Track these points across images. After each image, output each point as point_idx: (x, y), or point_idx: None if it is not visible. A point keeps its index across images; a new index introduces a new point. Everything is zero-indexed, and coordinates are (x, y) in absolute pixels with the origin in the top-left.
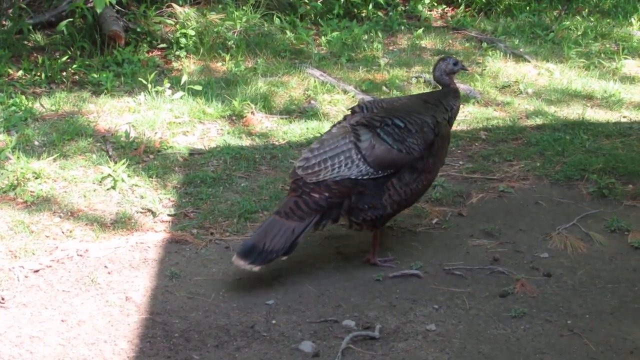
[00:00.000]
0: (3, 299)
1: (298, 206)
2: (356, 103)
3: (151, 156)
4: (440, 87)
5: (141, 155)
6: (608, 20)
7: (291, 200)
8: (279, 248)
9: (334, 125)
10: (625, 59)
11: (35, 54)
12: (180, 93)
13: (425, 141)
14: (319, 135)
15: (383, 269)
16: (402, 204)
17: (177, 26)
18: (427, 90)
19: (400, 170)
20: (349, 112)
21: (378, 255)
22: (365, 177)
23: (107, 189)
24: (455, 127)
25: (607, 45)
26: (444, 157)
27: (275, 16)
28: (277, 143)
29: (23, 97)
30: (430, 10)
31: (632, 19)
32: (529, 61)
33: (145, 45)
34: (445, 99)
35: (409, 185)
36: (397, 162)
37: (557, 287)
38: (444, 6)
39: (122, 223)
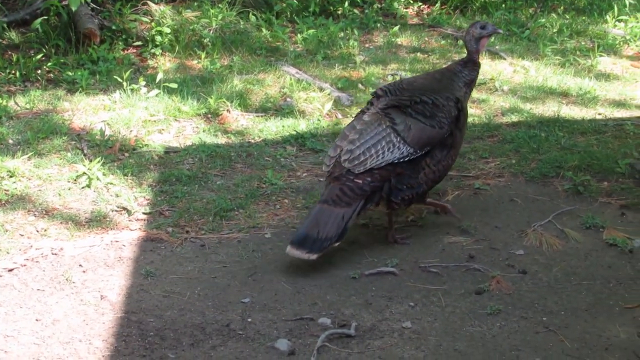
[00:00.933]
0: None
1: (344, 193)
2: (332, 100)
3: (126, 154)
4: (466, 53)
5: (116, 154)
6: (583, 18)
7: (336, 188)
8: (333, 235)
9: (362, 112)
10: (601, 56)
11: (9, 52)
12: (156, 91)
13: (451, 116)
14: (294, 132)
15: (359, 267)
16: (435, 180)
17: (153, 24)
18: None
19: (433, 148)
20: (372, 97)
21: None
22: (407, 159)
23: (82, 188)
24: None
25: (583, 43)
26: (465, 132)
27: (251, 14)
28: (252, 141)
29: None
30: (406, 8)
31: (607, 17)
32: (504, 58)
33: (120, 43)
34: (459, 73)
35: (441, 162)
36: (432, 138)
37: (533, 284)
38: (420, 4)
39: (97, 221)
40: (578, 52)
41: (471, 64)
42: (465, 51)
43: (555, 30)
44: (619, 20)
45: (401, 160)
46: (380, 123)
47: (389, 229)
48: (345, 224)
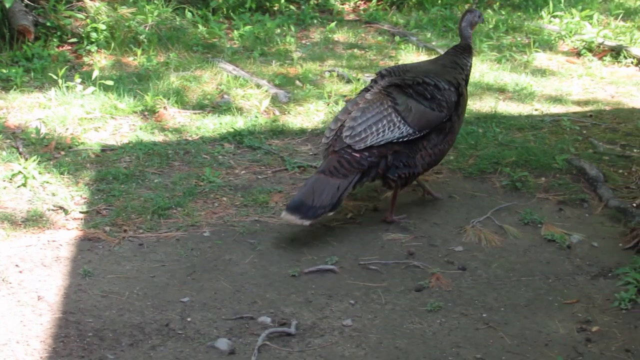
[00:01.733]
0: None
1: (342, 165)
2: (270, 97)
3: (62, 153)
4: (460, 40)
5: (52, 152)
6: (519, 14)
7: (334, 160)
8: (327, 204)
9: (366, 90)
10: (537, 52)
11: None
12: (92, 88)
13: (451, 101)
14: (232, 130)
15: (299, 264)
16: (431, 164)
17: (88, 20)
18: (342, 84)
19: (431, 131)
20: (376, 76)
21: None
22: (406, 139)
23: (18, 187)
24: None
25: (519, 39)
26: (463, 119)
27: (187, 10)
28: (190, 138)
29: None
30: (343, 4)
31: (543, 12)
32: (441, 54)
33: (55, 40)
34: (459, 58)
35: (437, 145)
36: (431, 121)
37: (472, 281)
38: (357, 0)
39: (33, 221)
40: (514, 48)
41: (468, 49)
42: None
43: (491, 26)
44: (554, 16)
45: (400, 140)
46: (382, 102)
47: (389, 209)
48: (340, 194)
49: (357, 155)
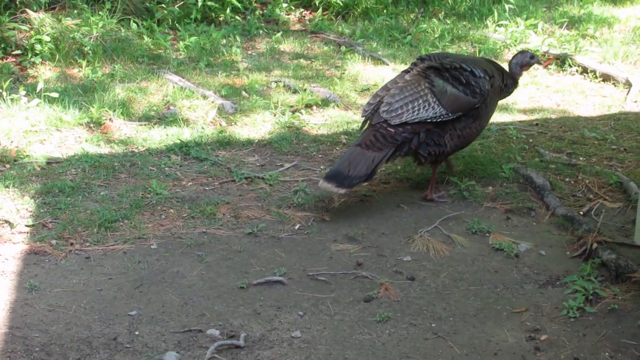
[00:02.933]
0: None
1: (377, 139)
2: (216, 108)
3: (7, 166)
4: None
5: None
6: (464, 23)
7: (370, 134)
8: (362, 174)
9: (405, 72)
10: None
11: None
12: (37, 100)
13: (484, 89)
14: (178, 141)
15: (247, 276)
16: (459, 145)
17: (32, 32)
18: (289, 95)
19: (461, 115)
20: (417, 60)
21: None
22: (438, 119)
23: None
24: (315, 131)
25: (464, 48)
26: (492, 112)
27: (132, 21)
28: (136, 150)
29: None
30: (288, 14)
31: (488, 21)
32: (387, 64)
33: None
34: (503, 72)
35: (466, 129)
36: (463, 105)
37: (421, 291)
38: (302, 10)
39: None
40: None
41: (513, 79)
42: None
43: (436, 35)
44: (500, 25)
45: (433, 119)
46: (420, 83)
47: (429, 188)
48: (374, 166)
49: (392, 130)
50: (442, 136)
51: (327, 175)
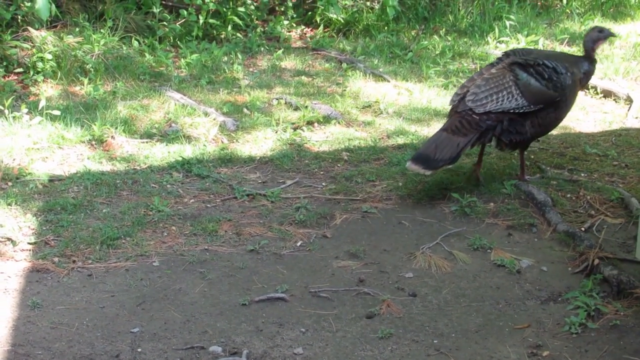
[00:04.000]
0: None
1: (463, 125)
2: (217, 125)
3: (9, 183)
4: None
5: None
6: (465, 40)
7: (456, 120)
8: (447, 158)
9: (491, 65)
10: None
11: None
12: (39, 118)
13: (565, 84)
14: (180, 158)
15: (249, 293)
16: (539, 132)
17: (34, 50)
18: (290, 112)
19: (543, 107)
20: (502, 55)
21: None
22: (520, 110)
23: None
24: (317, 148)
25: (465, 64)
26: (573, 103)
27: (133, 39)
28: (138, 167)
29: None
30: (290, 31)
31: (489, 38)
32: (388, 81)
33: (1, 70)
34: (579, 62)
35: (545, 118)
36: (546, 98)
37: (423, 307)
38: (303, 27)
39: None
40: (461, 74)
41: (589, 60)
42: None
43: (437, 52)
44: (500, 42)
45: (515, 110)
46: (505, 76)
47: (520, 170)
48: (459, 150)
49: (477, 117)
50: (523, 125)
51: (414, 158)
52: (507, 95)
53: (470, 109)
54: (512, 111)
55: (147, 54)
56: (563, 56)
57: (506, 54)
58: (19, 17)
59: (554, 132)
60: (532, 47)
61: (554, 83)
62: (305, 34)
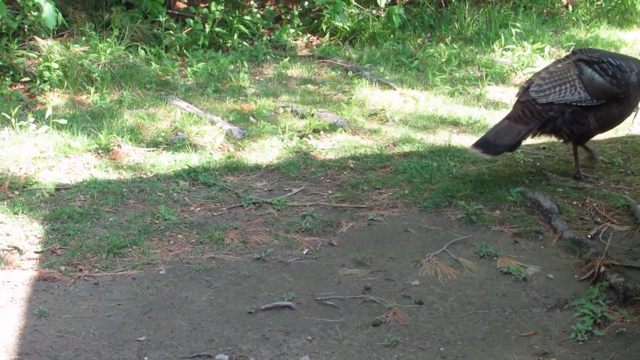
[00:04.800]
0: None
1: (525, 114)
2: (224, 133)
3: (16, 192)
4: None
5: (6, 192)
6: (471, 47)
7: (519, 109)
8: (507, 144)
9: (557, 62)
10: (489, 84)
11: None
12: (45, 127)
13: (629, 82)
14: (187, 167)
15: (255, 301)
16: (602, 127)
17: (41, 59)
18: (296, 120)
19: (605, 102)
20: (569, 53)
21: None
22: (582, 104)
23: None
24: (323, 156)
25: (471, 72)
26: (637, 102)
27: (140, 48)
28: (145, 176)
29: None
30: (296, 40)
31: (495, 46)
32: (394, 89)
33: (8, 79)
34: None
35: (608, 113)
36: (609, 93)
37: (429, 315)
38: (309, 35)
39: None
40: (467, 82)
41: None
42: None
43: (443, 59)
44: (506, 49)
45: (578, 103)
46: (570, 70)
47: (575, 167)
48: (519, 138)
49: (539, 107)
50: (586, 117)
51: (476, 143)
52: (570, 88)
53: (533, 99)
54: (574, 104)
55: (153, 63)
56: (630, 58)
57: (573, 52)
58: (26, 26)
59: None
60: (597, 48)
61: (617, 80)
62: (311, 42)
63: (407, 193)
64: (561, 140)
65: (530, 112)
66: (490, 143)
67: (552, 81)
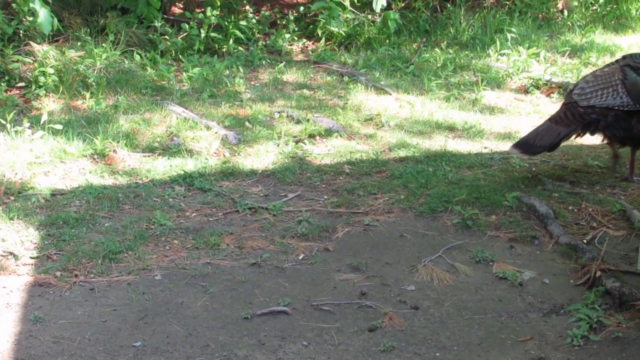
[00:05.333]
0: None
1: (566, 116)
2: (219, 139)
3: (12, 198)
4: None
5: (1, 197)
6: (466, 52)
7: (561, 111)
8: (546, 144)
9: (606, 65)
10: (485, 90)
11: None
12: (41, 132)
13: None
14: (182, 172)
15: (251, 306)
16: None
17: (36, 64)
18: (292, 125)
19: None
20: (618, 59)
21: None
22: (625, 108)
23: None
24: (318, 161)
25: (467, 77)
26: None
27: (135, 53)
28: (140, 181)
29: None
30: (291, 45)
31: (490, 51)
32: (390, 94)
33: (3, 84)
34: None
35: None
36: None
37: (425, 320)
38: (305, 40)
39: None
40: (462, 87)
41: None
42: None
43: (439, 64)
44: (502, 54)
45: (620, 107)
46: (614, 74)
47: (629, 171)
48: (559, 139)
49: (581, 110)
50: (628, 122)
51: (516, 143)
52: (612, 93)
53: (575, 101)
54: (616, 108)
55: (148, 68)
56: None
57: (622, 57)
58: (21, 31)
59: None
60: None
61: None
62: (306, 47)
63: (402, 198)
64: (605, 142)
65: (572, 114)
66: (529, 143)
67: (596, 85)
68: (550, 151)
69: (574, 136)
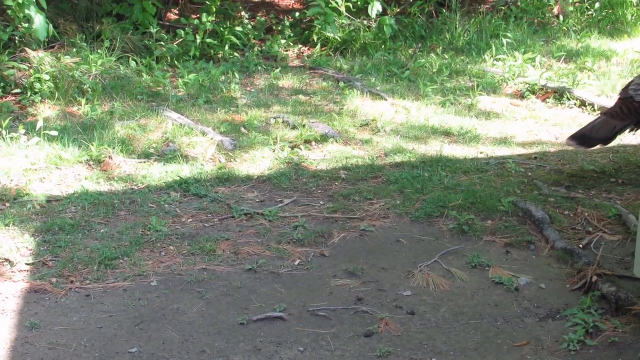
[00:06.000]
0: None
1: (622, 110)
2: (215, 144)
3: (7, 204)
4: None
5: None
6: (462, 58)
7: (617, 106)
8: (602, 138)
9: None
10: (481, 95)
11: None
12: (36, 139)
13: None
14: (178, 178)
15: (247, 312)
16: None
17: (32, 71)
18: (288, 130)
19: None
20: None
21: None
22: None
23: None
24: (314, 167)
25: (462, 82)
26: None
27: (131, 59)
28: (136, 188)
29: None
30: (287, 51)
31: (486, 56)
32: (385, 99)
33: None
34: None
35: None
36: None
37: (421, 325)
38: (300, 46)
39: None
40: (458, 92)
41: None
42: None
43: (435, 70)
44: (498, 60)
45: None
46: None
47: None
48: (614, 132)
49: (637, 105)
50: None
51: (573, 135)
52: None
53: (631, 97)
54: None
55: (144, 74)
56: None
57: None
58: (17, 38)
59: (552, 149)
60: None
61: None
62: (302, 53)
63: (398, 203)
64: None
65: (628, 109)
66: (586, 136)
67: None
68: (605, 144)
69: (627, 130)
